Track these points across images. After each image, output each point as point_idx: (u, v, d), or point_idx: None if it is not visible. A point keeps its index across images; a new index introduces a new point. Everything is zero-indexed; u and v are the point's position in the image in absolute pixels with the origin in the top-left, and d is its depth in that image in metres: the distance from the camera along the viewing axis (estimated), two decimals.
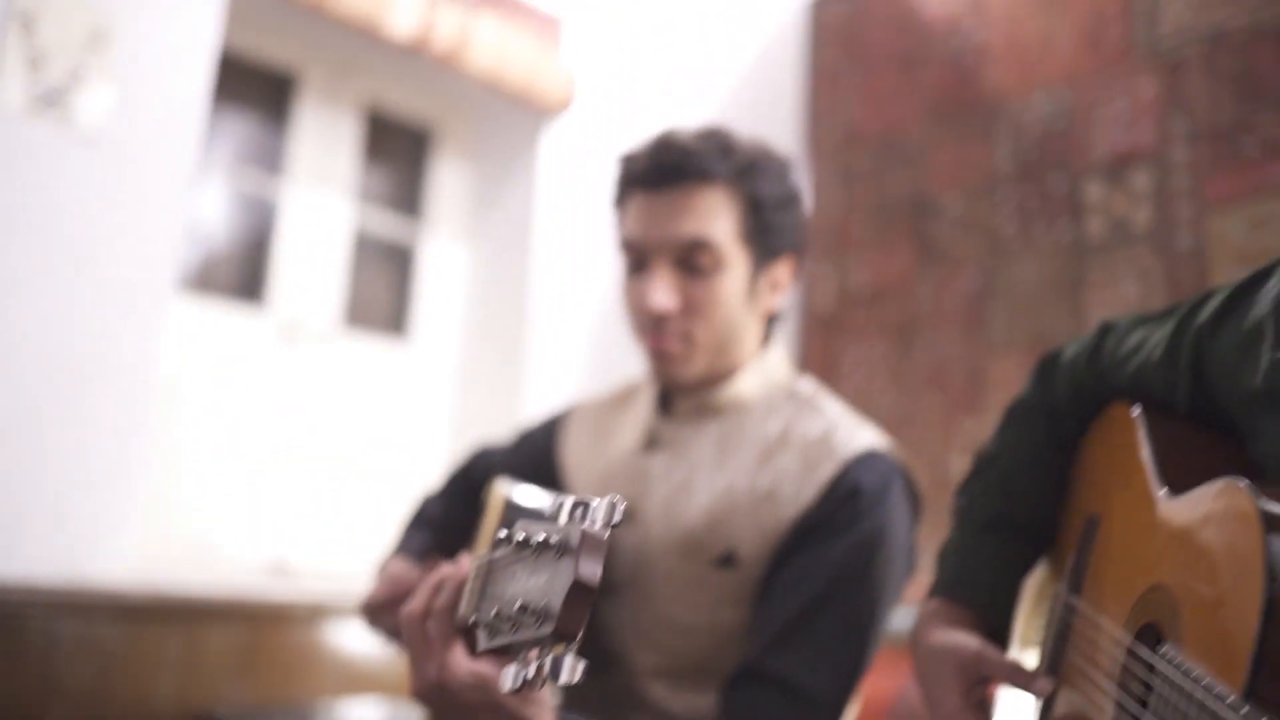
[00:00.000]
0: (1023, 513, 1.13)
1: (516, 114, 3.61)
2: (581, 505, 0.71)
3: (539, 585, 0.71)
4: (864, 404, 2.93)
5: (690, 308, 1.33)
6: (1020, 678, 1.03)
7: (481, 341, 3.60)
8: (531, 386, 3.08)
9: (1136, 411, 1.01)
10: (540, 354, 3.23)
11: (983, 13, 2.92)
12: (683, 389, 1.39)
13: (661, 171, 1.34)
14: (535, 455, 1.54)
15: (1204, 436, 0.97)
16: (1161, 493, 0.90)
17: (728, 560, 1.26)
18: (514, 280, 3.46)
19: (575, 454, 1.49)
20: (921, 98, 3.00)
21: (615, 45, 3.62)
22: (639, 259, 1.35)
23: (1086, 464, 1.10)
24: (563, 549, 0.70)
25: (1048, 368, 1.17)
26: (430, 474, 2.95)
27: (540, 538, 0.72)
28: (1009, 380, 2.69)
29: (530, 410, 2.87)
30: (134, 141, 2.21)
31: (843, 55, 3.21)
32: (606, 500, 0.71)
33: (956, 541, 1.15)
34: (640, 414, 1.45)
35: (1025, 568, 1.12)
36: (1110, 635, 0.93)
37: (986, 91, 2.87)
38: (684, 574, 1.28)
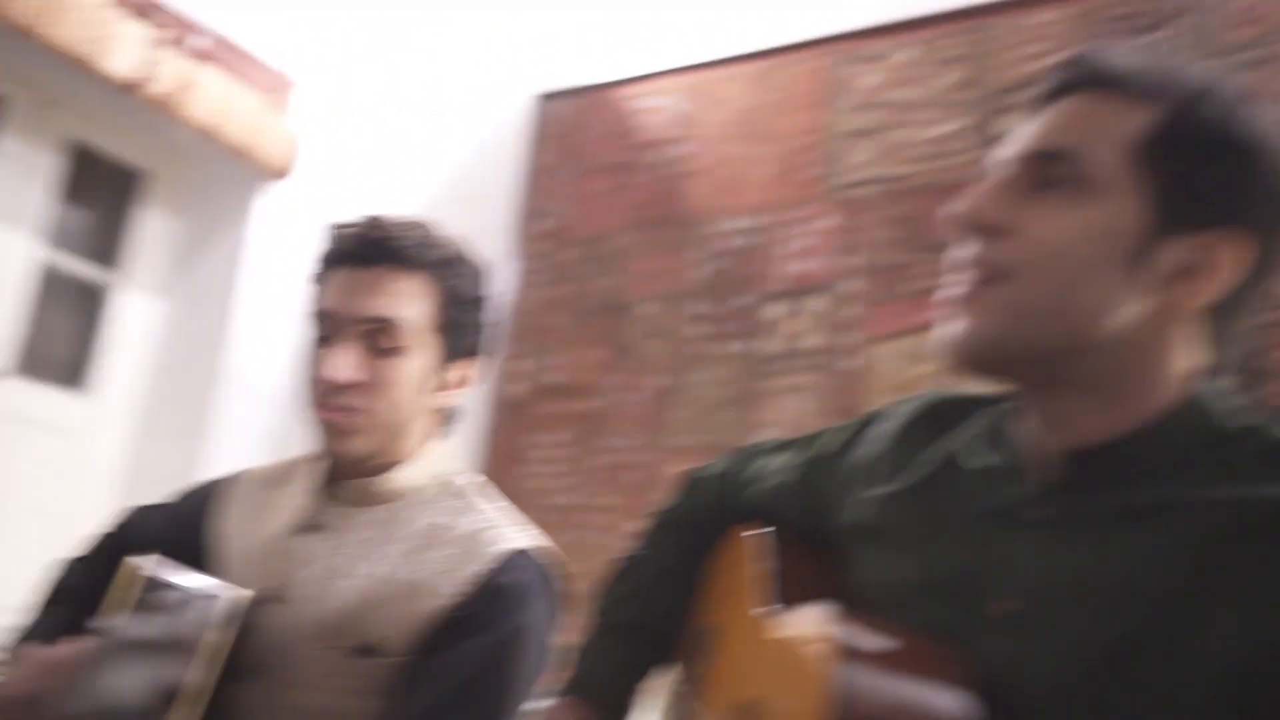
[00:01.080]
0: (656, 619, 1.17)
1: (234, 170, 3.51)
2: (207, 599, 0.71)
3: (140, 682, 0.70)
4: (545, 495, 2.99)
5: (368, 384, 1.34)
6: None
7: (167, 402, 3.44)
8: (213, 454, 2.98)
9: (759, 532, 1.07)
10: (227, 420, 3.13)
11: (693, 134, 3.10)
12: (347, 465, 1.39)
13: (366, 250, 1.37)
14: (191, 522, 1.49)
15: (816, 560, 1.03)
16: (766, 611, 0.96)
17: (368, 650, 1.26)
18: (209, 340, 3.34)
19: (232, 525, 1.46)
20: (629, 206, 3.14)
21: (344, 115, 3.60)
22: (328, 331, 1.36)
23: (716, 577, 1.15)
24: (173, 647, 0.69)
25: (693, 482, 1.23)
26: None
27: (154, 632, 0.70)
28: None
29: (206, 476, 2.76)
30: None
31: (561, 156, 3.32)
32: (231, 598, 0.71)
33: (591, 642, 1.18)
34: (300, 494, 1.44)
35: (651, 672, 1.15)
36: None
37: (688, 208, 3.04)
38: (324, 661, 1.27)
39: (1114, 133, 0.85)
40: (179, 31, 3.09)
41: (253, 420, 3.08)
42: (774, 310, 2.84)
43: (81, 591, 1.45)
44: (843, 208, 2.80)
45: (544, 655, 1.31)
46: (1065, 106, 0.89)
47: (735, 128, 3.03)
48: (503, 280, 3.27)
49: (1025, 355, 0.85)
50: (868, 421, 1.07)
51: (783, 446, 1.16)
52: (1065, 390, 0.86)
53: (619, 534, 2.88)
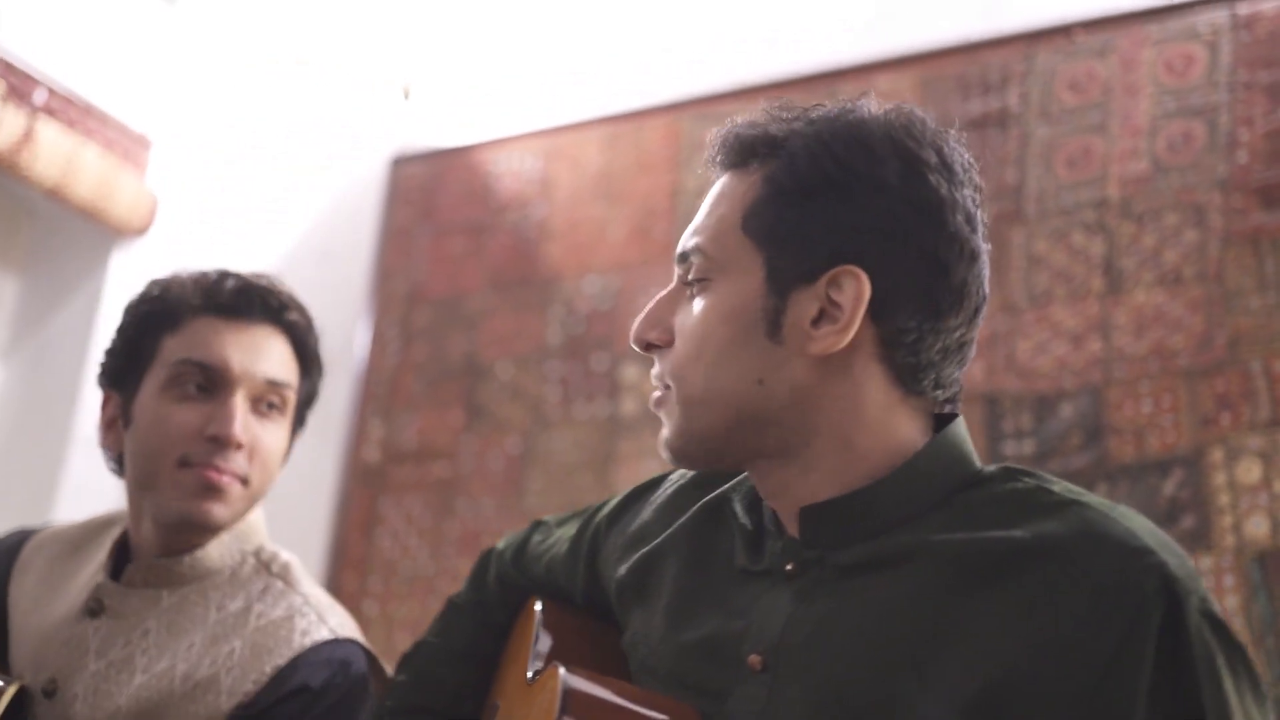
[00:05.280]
0: (441, 702, 1.16)
1: (84, 229, 3.41)
2: None
3: None
4: (400, 562, 2.91)
5: (255, 449, 1.28)
6: None
7: (13, 467, 3.29)
8: (64, 519, 2.84)
9: (538, 605, 1.08)
10: (80, 485, 3.01)
11: (548, 194, 3.09)
12: (150, 539, 1.31)
13: (246, 305, 1.32)
14: None
15: (595, 628, 1.04)
16: (530, 675, 0.96)
17: None
18: (60, 403, 3.23)
19: (23, 597, 1.36)
20: (485, 266, 3.11)
21: (202, 174, 3.54)
22: (209, 383, 1.28)
23: (506, 653, 1.15)
24: None
25: (483, 560, 1.22)
26: None
27: None
28: None
29: None
30: None
31: (417, 215, 3.28)
32: None
33: None
34: (89, 570, 1.35)
35: None
36: None
37: (544, 268, 3.02)
38: None
39: (730, 212, 0.91)
40: (17, 85, 2.99)
41: (107, 486, 2.95)
42: (631, 371, 2.83)
43: None
44: None
45: None
46: (709, 197, 0.96)
47: (590, 189, 3.04)
48: (358, 342, 3.22)
49: (716, 443, 0.90)
50: (643, 490, 1.12)
51: (567, 520, 1.20)
52: (770, 465, 0.92)
53: None
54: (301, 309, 1.37)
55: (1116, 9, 2.46)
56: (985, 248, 0.91)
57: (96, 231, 3.35)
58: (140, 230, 3.36)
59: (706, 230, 0.92)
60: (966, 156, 0.92)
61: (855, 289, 0.85)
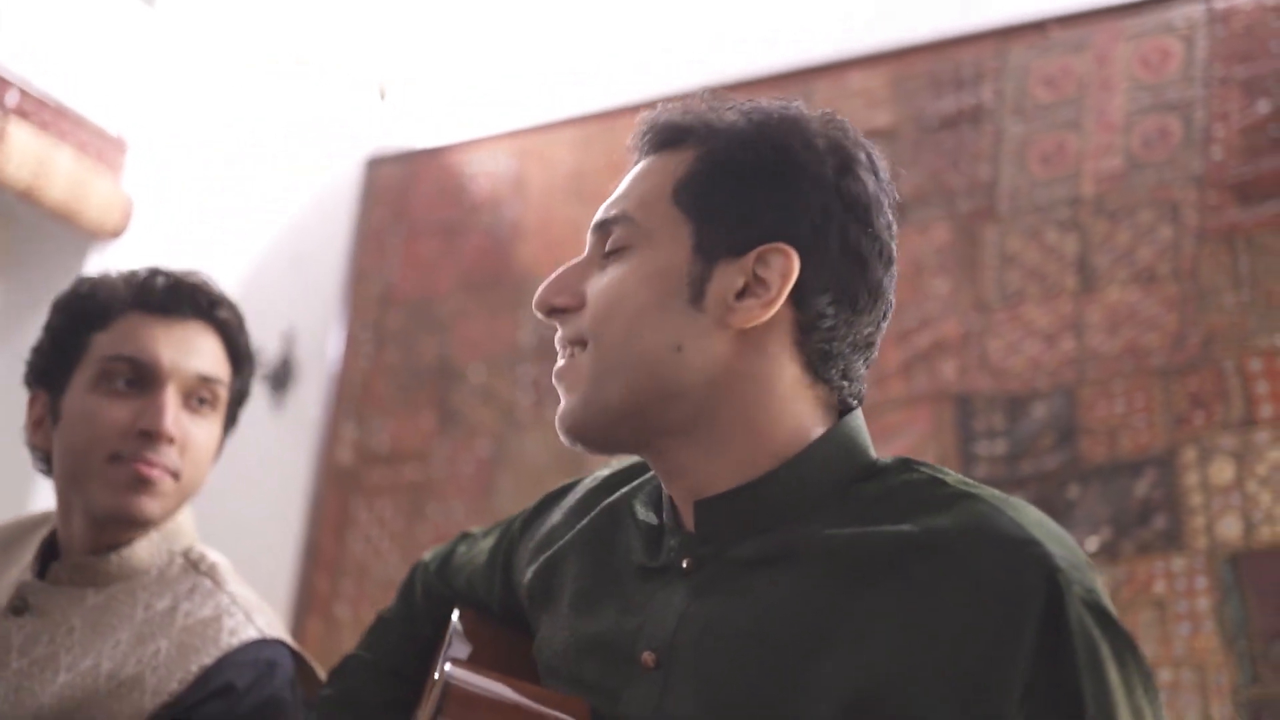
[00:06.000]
0: (367, 716, 1.14)
1: (59, 232, 3.39)
2: None
3: None
4: (371, 565, 2.89)
5: (185, 444, 1.28)
6: None
7: None
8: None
9: (455, 614, 1.06)
10: (49, 497, 2.98)
11: (521, 194, 3.07)
12: (77, 535, 1.29)
13: (175, 302, 1.31)
14: None
15: (509, 635, 1.03)
16: (431, 681, 0.95)
17: None
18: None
19: None
20: (457, 267, 3.09)
21: (177, 176, 3.52)
22: (139, 379, 1.27)
23: (430, 667, 1.13)
24: None
25: (411, 574, 1.21)
26: None
27: None
28: None
29: None
30: None
31: (390, 216, 3.26)
32: None
33: None
34: (15, 569, 1.33)
35: None
36: None
37: (517, 269, 3.00)
38: None
39: (660, 184, 0.91)
40: None
41: None
42: None
43: None
44: None
45: None
46: (630, 175, 0.96)
47: (563, 188, 3.01)
48: (331, 344, 3.19)
49: (620, 414, 0.88)
50: (555, 496, 1.13)
51: (491, 530, 1.21)
52: (673, 443, 0.88)
53: None
54: (232, 307, 1.37)
55: (1091, 4, 2.43)
56: (896, 257, 0.94)
57: (71, 234, 3.34)
58: (115, 232, 3.34)
59: (631, 199, 0.92)
60: (888, 168, 0.95)
61: (783, 266, 0.86)
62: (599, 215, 0.95)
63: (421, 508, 2.90)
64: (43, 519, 1.40)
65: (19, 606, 1.27)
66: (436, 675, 0.92)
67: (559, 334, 0.94)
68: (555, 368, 0.94)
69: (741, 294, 0.87)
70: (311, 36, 3.50)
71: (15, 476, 3.11)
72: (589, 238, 0.96)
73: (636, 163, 0.97)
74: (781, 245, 0.87)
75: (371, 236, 3.26)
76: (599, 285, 0.90)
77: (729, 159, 0.90)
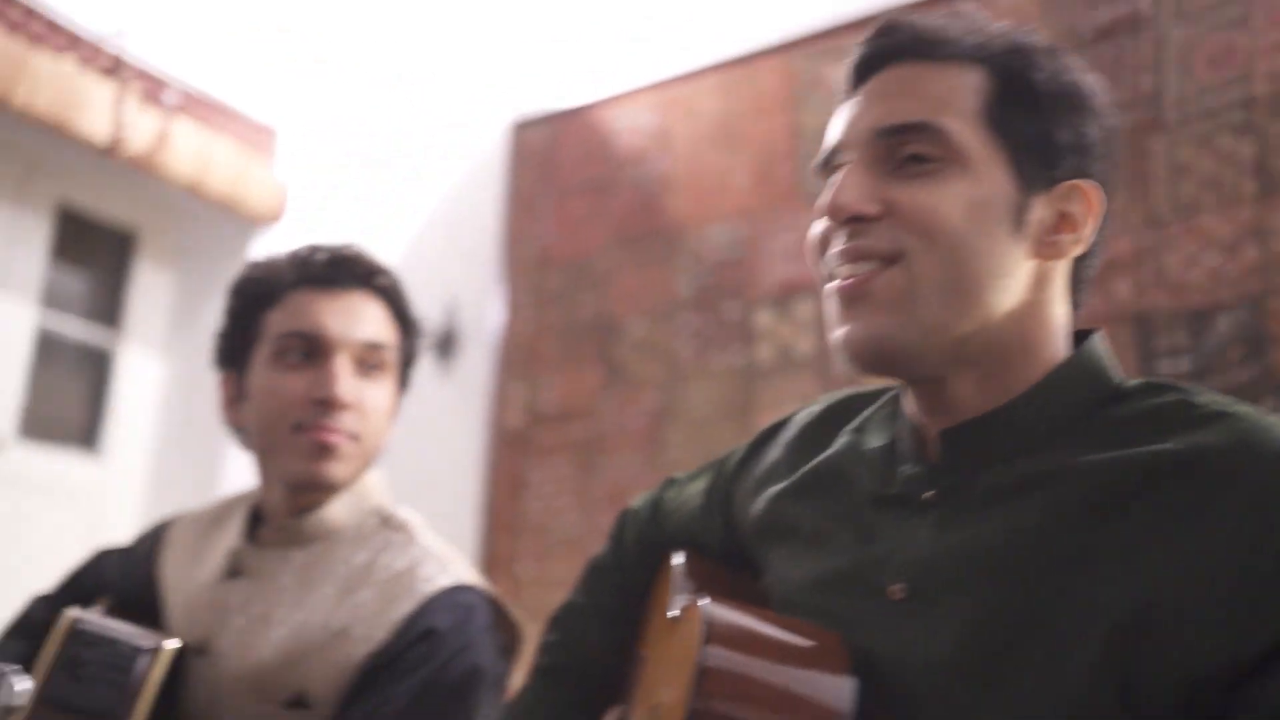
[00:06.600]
0: (588, 662, 1.17)
1: (222, 221, 3.53)
2: (132, 652, 0.70)
3: None
4: (549, 523, 2.96)
5: (361, 408, 1.34)
6: None
7: (177, 459, 3.44)
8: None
9: (677, 559, 1.07)
10: (239, 475, 3.12)
11: (667, 146, 3.07)
12: (278, 502, 1.37)
13: (341, 275, 1.38)
14: (142, 566, 1.48)
15: (734, 575, 1.04)
16: (669, 616, 0.96)
17: (299, 702, 1.23)
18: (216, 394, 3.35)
19: (171, 572, 1.45)
20: (609, 224, 3.11)
21: (328, 159, 3.61)
22: (311, 351, 1.34)
23: (648, 608, 1.15)
24: (98, 702, 0.69)
25: (620, 521, 1.23)
26: None
27: (78, 688, 0.69)
28: None
29: None
30: None
31: (539, 179, 3.30)
32: (155, 650, 0.69)
33: (523, 690, 1.18)
34: (227, 538, 1.41)
35: (581, 714, 1.14)
36: None
37: (669, 221, 3.01)
38: (254, 714, 1.24)
39: (961, 100, 0.86)
40: (150, 88, 3.10)
41: None
42: (764, 318, 2.80)
43: (40, 628, 1.44)
44: None
45: (481, 696, 1.27)
46: (893, 79, 0.90)
47: (710, 137, 3.00)
48: (493, 309, 3.26)
49: (941, 341, 0.84)
50: (770, 432, 1.11)
51: (698, 474, 1.18)
52: (960, 372, 0.86)
53: None
54: (389, 274, 1.43)
55: None
56: None
57: (234, 222, 3.47)
58: (274, 218, 3.47)
59: (929, 107, 0.86)
60: None
61: (1091, 201, 0.87)
62: (897, 118, 0.86)
63: (593, 463, 2.95)
64: (241, 499, 1.48)
65: (235, 571, 1.36)
66: (677, 611, 0.94)
67: (846, 245, 0.86)
68: (842, 283, 0.86)
69: (1055, 228, 0.86)
70: (448, 10, 3.55)
71: (206, 452, 3.27)
72: (854, 143, 0.89)
73: (882, 67, 0.91)
74: (1088, 182, 0.87)
75: (522, 200, 3.31)
76: (916, 199, 0.84)
77: (1032, 87, 0.87)
